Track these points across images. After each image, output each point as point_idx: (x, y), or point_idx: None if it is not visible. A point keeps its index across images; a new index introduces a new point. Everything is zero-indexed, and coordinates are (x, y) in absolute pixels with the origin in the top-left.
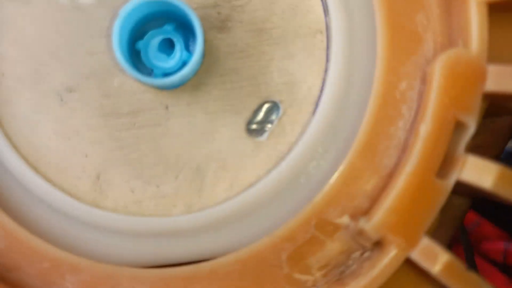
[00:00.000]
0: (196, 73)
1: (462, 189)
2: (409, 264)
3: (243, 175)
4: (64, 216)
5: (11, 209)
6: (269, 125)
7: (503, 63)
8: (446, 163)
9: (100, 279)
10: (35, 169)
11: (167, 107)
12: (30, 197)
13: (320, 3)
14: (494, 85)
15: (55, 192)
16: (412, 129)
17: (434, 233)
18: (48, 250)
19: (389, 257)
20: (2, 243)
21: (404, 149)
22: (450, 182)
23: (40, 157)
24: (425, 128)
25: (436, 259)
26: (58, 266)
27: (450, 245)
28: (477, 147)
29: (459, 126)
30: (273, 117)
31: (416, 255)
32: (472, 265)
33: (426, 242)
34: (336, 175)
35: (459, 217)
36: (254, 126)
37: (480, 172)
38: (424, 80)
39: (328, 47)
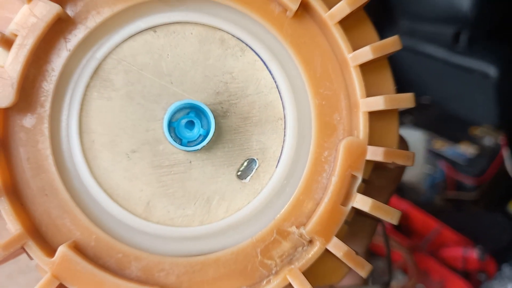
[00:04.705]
0: (208, 142)
1: (365, 213)
2: (328, 253)
3: (234, 203)
4: (129, 226)
5: (98, 222)
6: (250, 173)
7: (377, 144)
8: (346, 198)
9: (152, 263)
10: (112, 198)
11: (190, 162)
12: (109, 215)
13: (280, 103)
14: (371, 157)
15: (123, 212)
16: (329, 178)
17: (354, 240)
18: (121, 246)
19: (316, 248)
20: (93, 243)
21: (325, 189)
22: (348, 208)
23: (114, 191)
24: (334, 179)
25: (340, 249)
26: (127, 256)
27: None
28: (378, 187)
29: (353, 178)
30: (253, 168)
31: (330, 247)
32: (389, 260)
33: (335, 240)
34: (288, 203)
35: (371, 231)
36: (240, 173)
37: (363, 203)
38: (336, 151)
39: (285, 128)
